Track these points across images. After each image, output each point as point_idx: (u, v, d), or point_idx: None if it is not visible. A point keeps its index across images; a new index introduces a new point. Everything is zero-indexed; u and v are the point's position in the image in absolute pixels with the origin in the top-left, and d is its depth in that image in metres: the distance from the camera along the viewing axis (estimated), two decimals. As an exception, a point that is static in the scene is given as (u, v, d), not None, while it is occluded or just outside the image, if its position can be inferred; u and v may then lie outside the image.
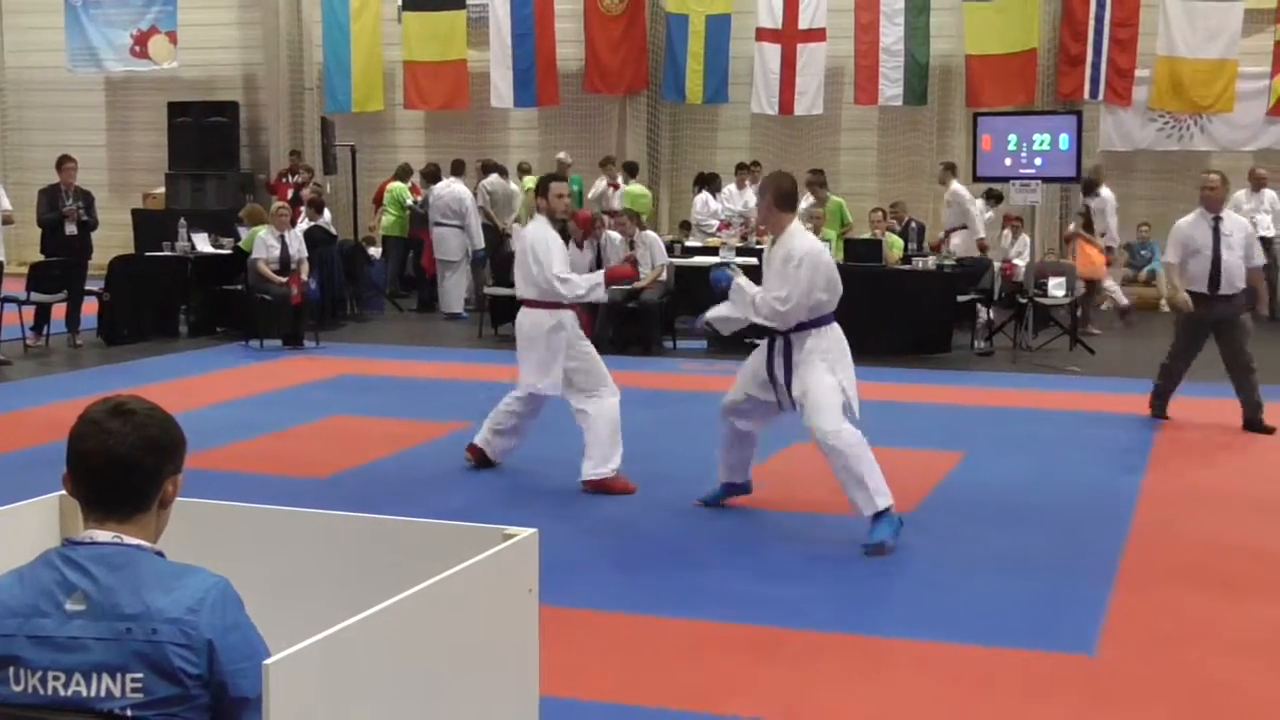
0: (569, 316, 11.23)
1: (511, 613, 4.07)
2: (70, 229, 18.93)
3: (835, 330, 9.81)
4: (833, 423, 9.47)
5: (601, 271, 11.45)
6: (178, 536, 3.63)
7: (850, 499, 9.51)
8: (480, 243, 22.74)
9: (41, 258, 19.12)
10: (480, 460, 11.71)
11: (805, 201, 22.61)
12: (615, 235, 19.22)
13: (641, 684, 6.96)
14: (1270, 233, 21.88)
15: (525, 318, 11.37)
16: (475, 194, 23.21)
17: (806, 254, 9.58)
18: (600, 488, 10.98)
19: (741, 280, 9.91)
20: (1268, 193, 22.17)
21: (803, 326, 9.67)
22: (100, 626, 3.29)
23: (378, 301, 23.42)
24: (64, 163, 19.24)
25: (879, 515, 9.41)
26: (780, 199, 9.81)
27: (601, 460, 11.01)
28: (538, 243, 11.10)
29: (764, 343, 9.96)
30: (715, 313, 10.11)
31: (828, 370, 9.61)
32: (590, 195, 24.25)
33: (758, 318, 9.73)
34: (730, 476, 10.51)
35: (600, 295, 11.39)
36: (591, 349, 11.41)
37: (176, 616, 3.30)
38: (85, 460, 3.45)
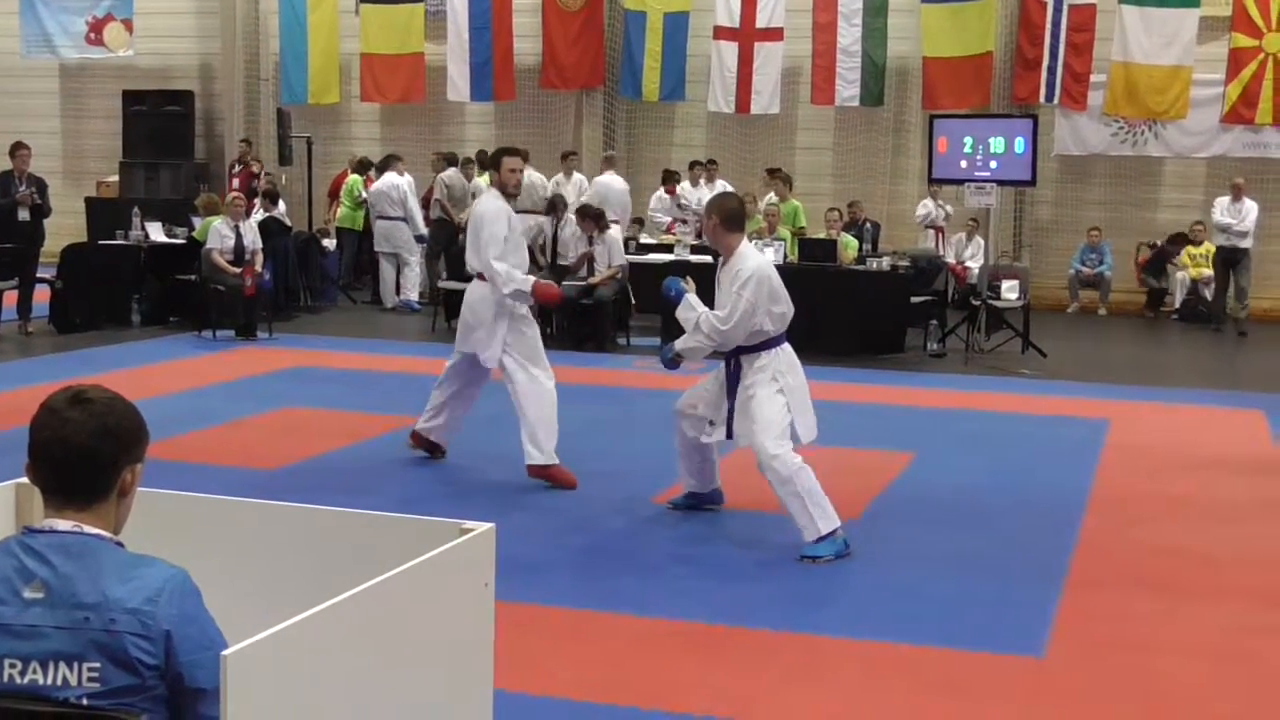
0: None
1: (468, 607, 4.07)
2: (23, 215, 18.84)
3: (787, 352, 9.72)
4: (775, 445, 9.36)
5: (532, 280, 11.20)
6: (135, 526, 3.63)
7: (793, 520, 9.37)
8: (421, 228, 22.78)
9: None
10: (426, 446, 11.74)
11: (766, 198, 22.75)
12: (576, 227, 19.31)
13: (594, 680, 6.97)
14: (1248, 244, 22.27)
15: (474, 291, 11.37)
16: (433, 186, 23.17)
17: (753, 273, 9.49)
18: (544, 475, 11.00)
19: (692, 298, 9.81)
20: (1248, 202, 22.27)
21: (752, 349, 9.59)
22: (58, 615, 3.29)
23: (331, 293, 23.37)
24: (17, 149, 19.15)
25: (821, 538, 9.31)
26: (727, 219, 9.73)
27: (542, 447, 11.00)
28: (485, 219, 11.13)
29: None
30: (683, 344, 9.85)
31: (778, 391, 9.50)
32: (551, 187, 24.25)
33: (704, 339, 9.60)
34: (692, 486, 10.39)
35: (521, 300, 11.19)
36: (534, 329, 11.40)
37: (135, 607, 3.30)
38: (44, 449, 3.45)
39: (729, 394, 9.64)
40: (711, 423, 9.83)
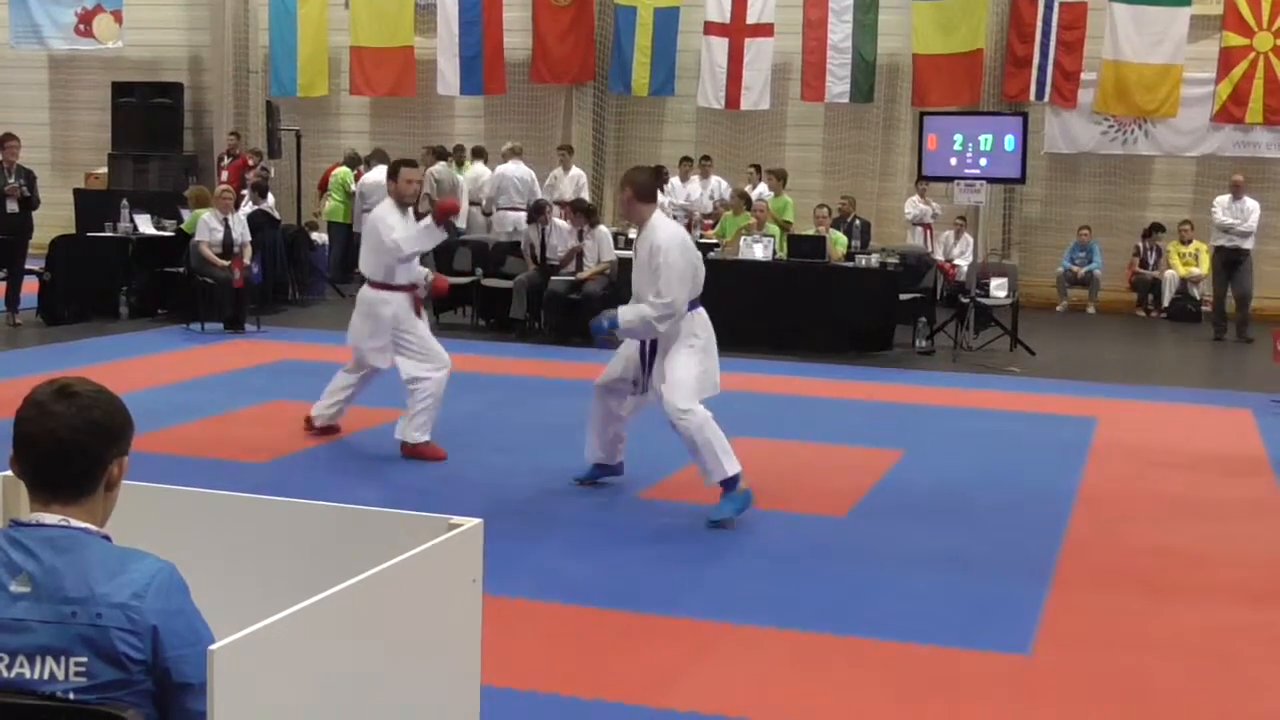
0: (401, 298, 11.80)
1: (456, 602, 4.06)
2: (11, 207, 18.81)
3: (701, 314, 10.20)
4: (686, 402, 9.86)
5: (429, 217, 11.90)
6: (122, 519, 3.62)
7: (701, 468, 9.99)
8: None
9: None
10: (321, 429, 12.35)
11: (757, 189, 22.79)
12: (563, 224, 19.32)
13: (579, 675, 6.97)
14: (1250, 245, 21.25)
15: (365, 294, 11.99)
16: (422, 181, 23.15)
17: (669, 242, 9.95)
18: (416, 453, 11.60)
19: (623, 312, 10.14)
20: (1249, 201, 21.28)
21: None
22: (45, 609, 3.28)
23: (319, 286, 23.34)
24: (7, 140, 19.10)
25: (727, 487, 9.92)
26: (640, 191, 10.17)
27: (419, 426, 11.61)
28: (380, 223, 11.77)
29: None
30: (628, 316, 10.12)
31: (693, 352, 10.03)
32: (546, 183, 24.27)
33: (660, 326, 9.94)
34: (599, 459, 10.86)
35: (435, 235, 11.89)
36: (422, 325, 11.99)
37: (121, 601, 3.29)
38: (30, 443, 3.44)
39: (652, 349, 10.19)
40: (635, 383, 10.41)
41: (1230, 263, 21.14)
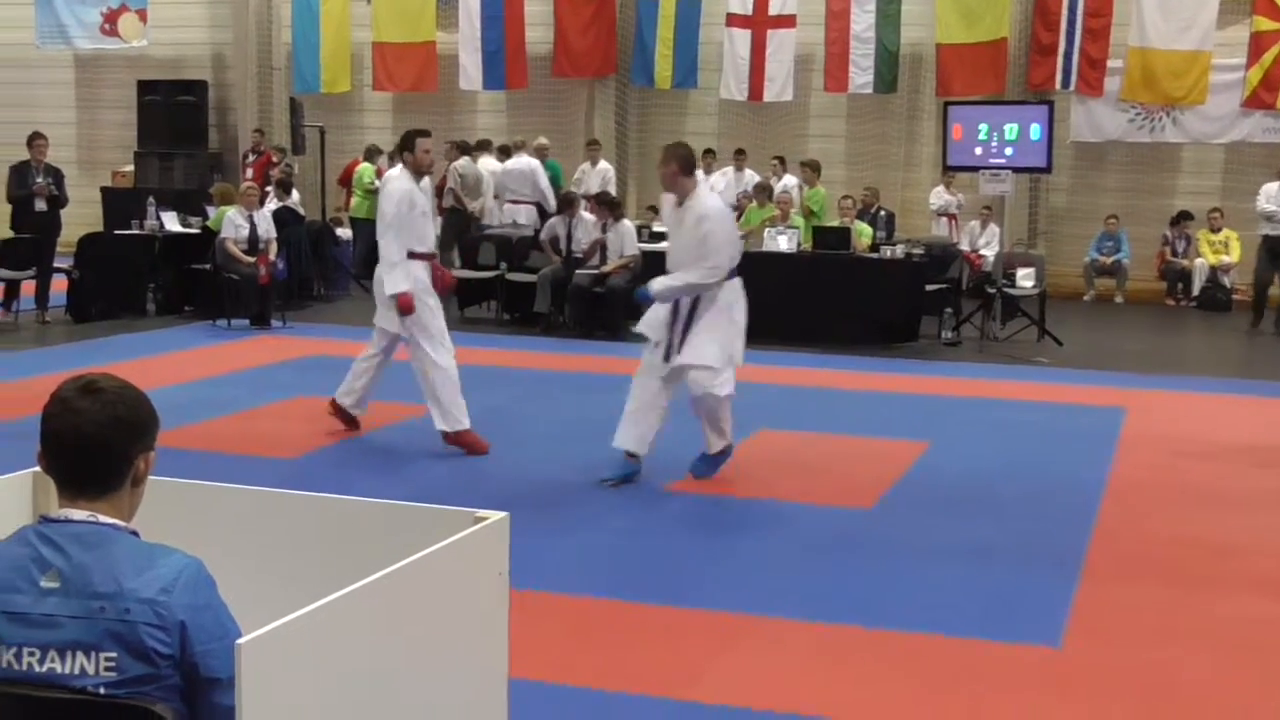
0: (420, 268, 11.78)
1: (482, 595, 4.07)
2: (40, 206, 18.89)
3: (736, 284, 10.73)
4: (717, 374, 10.51)
5: (403, 289, 11.67)
6: (149, 515, 3.63)
7: (707, 438, 10.82)
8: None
9: (10, 234, 19.08)
10: (345, 418, 12.30)
11: (781, 181, 22.78)
12: (589, 218, 19.32)
13: (605, 668, 6.97)
14: None
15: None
16: (446, 175, 23.14)
17: (716, 210, 10.73)
18: (460, 441, 11.66)
19: (664, 281, 10.60)
20: None
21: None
22: (74, 604, 3.29)
23: (344, 282, 23.36)
24: (35, 139, 19.21)
25: (719, 458, 10.88)
26: (684, 165, 10.67)
27: (447, 415, 11.65)
28: (383, 190, 12.02)
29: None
30: (661, 285, 10.61)
31: (729, 322, 10.63)
32: (574, 178, 24.27)
33: (702, 286, 10.49)
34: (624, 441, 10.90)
35: (396, 290, 11.70)
36: (436, 305, 11.94)
37: (149, 597, 3.29)
38: (56, 439, 3.45)
39: (679, 320, 10.62)
40: (658, 344, 10.76)
41: (1276, 250, 20.66)
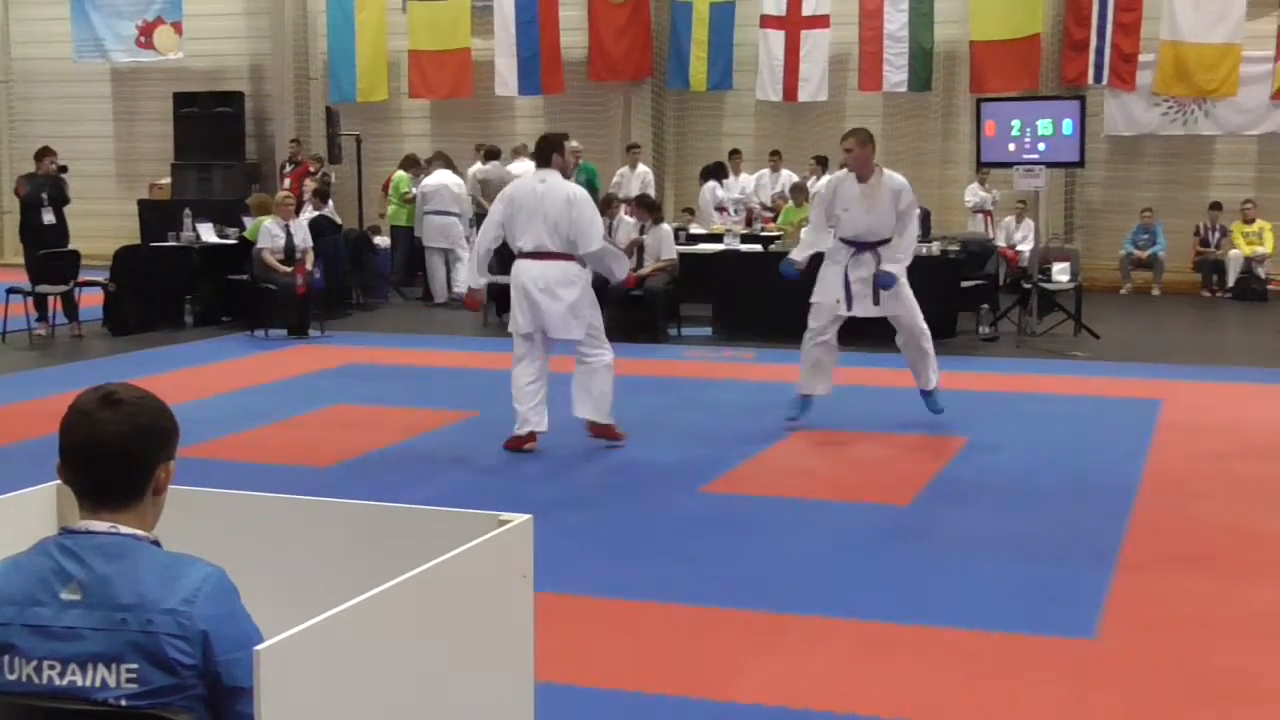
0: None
1: (506, 598, 4.07)
2: (49, 218, 19.01)
3: None
4: (921, 319, 12.73)
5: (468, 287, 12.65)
6: (173, 525, 3.64)
7: (922, 373, 12.92)
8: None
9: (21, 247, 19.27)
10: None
11: (818, 183, 22.75)
12: (629, 219, 19.35)
13: (641, 670, 6.98)
14: None
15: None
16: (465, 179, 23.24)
17: (907, 187, 12.65)
18: (604, 433, 12.01)
19: (900, 264, 12.57)
20: None
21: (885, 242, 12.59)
22: (96, 616, 3.29)
23: (383, 290, 23.42)
24: (45, 154, 19.41)
25: (933, 393, 12.97)
26: (871, 142, 12.71)
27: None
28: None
29: (838, 260, 12.67)
30: (901, 270, 12.63)
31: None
32: (614, 181, 24.32)
33: (906, 259, 12.72)
34: (817, 391, 12.79)
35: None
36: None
37: (172, 607, 3.29)
38: (76, 451, 3.44)
39: (857, 274, 12.58)
40: (839, 300, 12.61)
41: None
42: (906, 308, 12.65)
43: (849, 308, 12.61)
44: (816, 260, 12.84)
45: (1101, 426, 13.09)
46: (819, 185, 21.98)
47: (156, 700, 3.28)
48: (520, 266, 11.70)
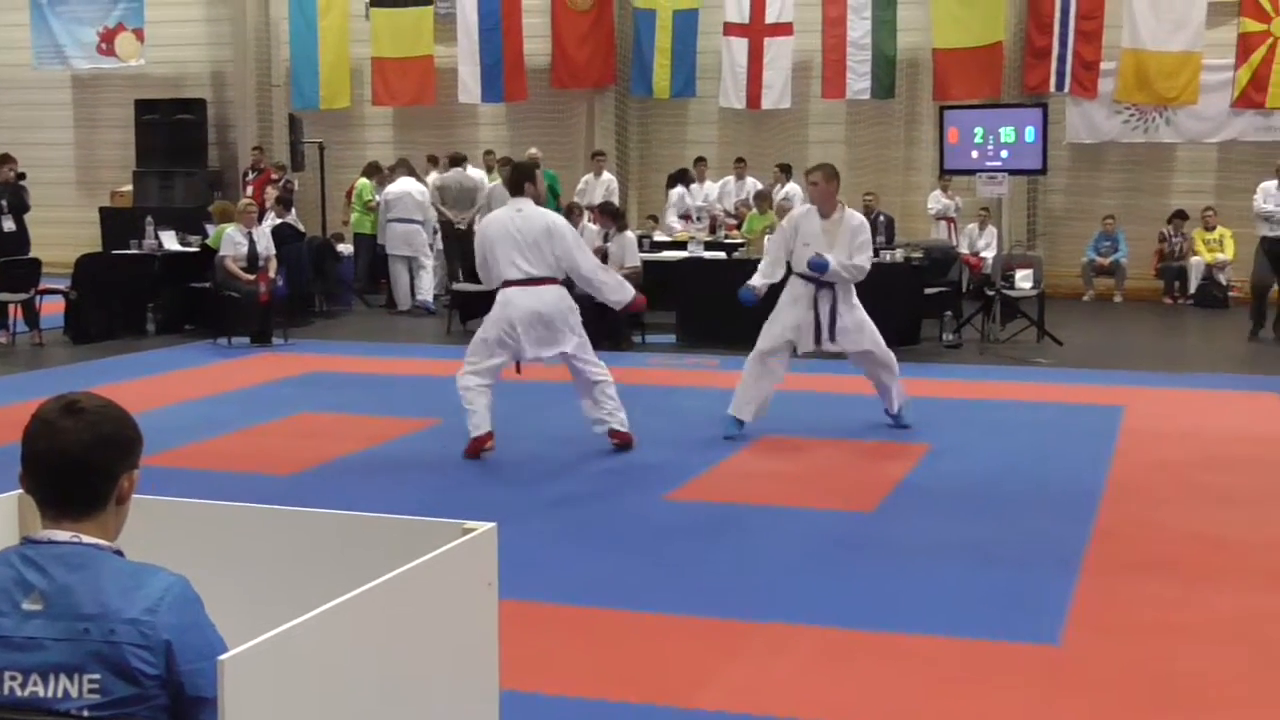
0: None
1: (470, 607, 4.06)
2: (9, 225, 18.91)
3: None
4: (884, 344, 12.88)
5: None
6: (136, 534, 3.62)
7: (887, 396, 13.09)
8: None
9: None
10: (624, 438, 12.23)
11: (784, 189, 22.76)
12: (592, 226, 19.35)
13: (605, 678, 6.97)
14: None
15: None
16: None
17: (866, 226, 13.01)
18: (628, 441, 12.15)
19: (839, 260, 12.58)
20: None
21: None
22: (58, 627, 3.27)
23: (346, 298, 23.37)
24: (5, 160, 19.29)
25: (901, 413, 13.11)
26: (838, 181, 12.89)
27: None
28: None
29: (799, 296, 12.78)
30: (834, 268, 12.59)
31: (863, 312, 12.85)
32: (578, 188, 24.30)
33: (847, 276, 12.67)
34: (749, 415, 12.68)
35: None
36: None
37: (134, 617, 3.28)
38: (38, 460, 3.43)
39: (831, 308, 12.71)
40: (797, 329, 12.73)
41: (1276, 255, 19.52)
42: (870, 339, 12.87)
43: (815, 343, 12.84)
44: (777, 286, 12.92)
45: (1064, 433, 13.13)
46: (783, 193, 22.10)
47: (119, 711, 3.27)
48: (507, 297, 11.72)
